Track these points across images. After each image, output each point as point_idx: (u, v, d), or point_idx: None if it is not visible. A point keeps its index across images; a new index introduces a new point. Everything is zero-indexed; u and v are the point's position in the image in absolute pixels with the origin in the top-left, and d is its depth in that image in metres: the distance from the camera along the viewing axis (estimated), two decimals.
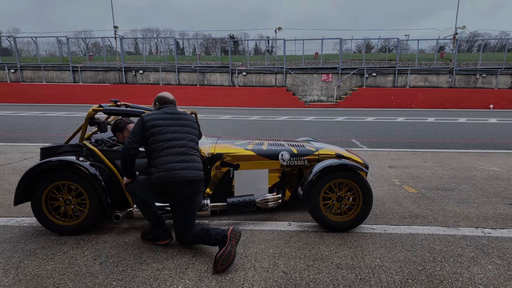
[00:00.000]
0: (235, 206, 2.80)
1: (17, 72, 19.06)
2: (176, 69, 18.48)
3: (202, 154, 2.89)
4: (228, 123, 10.94)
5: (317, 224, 2.81)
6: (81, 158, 2.64)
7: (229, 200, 2.81)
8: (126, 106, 3.33)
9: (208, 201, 2.78)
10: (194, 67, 18.56)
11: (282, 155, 3.06)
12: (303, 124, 10.75)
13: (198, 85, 18.47)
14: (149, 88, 17.85)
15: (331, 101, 18.63)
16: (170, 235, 2.45)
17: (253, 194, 2.98)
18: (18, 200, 2.51)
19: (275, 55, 20.67)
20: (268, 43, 20.89)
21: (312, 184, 2.65)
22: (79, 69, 18.69)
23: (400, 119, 12.71)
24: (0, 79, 19.25)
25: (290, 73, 18.31)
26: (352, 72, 18.36)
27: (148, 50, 23.12)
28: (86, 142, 2.81)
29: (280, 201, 2.94)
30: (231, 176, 2.98)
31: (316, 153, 3.13)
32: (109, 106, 2.99)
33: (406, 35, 32.82)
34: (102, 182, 2.54)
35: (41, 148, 2.86)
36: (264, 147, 3.11)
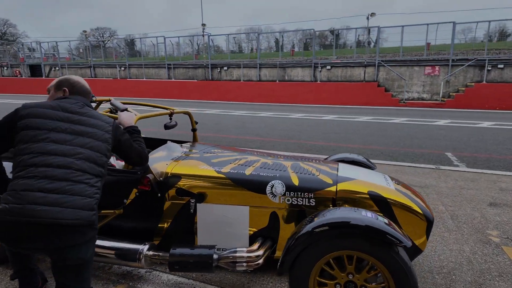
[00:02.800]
0: (180, 263, 1.82)
1: (126, 70, 21.79)
2: (258, 65, 18.05)
3: (152, 176, 1.99)
4: (291, 122, 9.79)
5: None
6: None
7: (173, 251, 1.85)
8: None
9: (145, 248, 1.88)
10: (274, 62, 17.79)
11: (273, 186, 1.92)
12: (386, 128, 8.78)
13: (277, 81, 17.65)
14: (230, 84, 17.91)
15: (435, 100, 15.30)
16: None
17: (216, 244, 1.94)
18: None
19: (370, 45, 18.18)
20: (357, 32, 18.41)
21: (291, 255, 1.47)
22: (172, 67, 20.14)
23: None
24: (113, 76, 22.37)
25: (384, 65, 15.75)
26: (467, 64, 14.63)
27: (239, 47, 23.32)
28: None
29: (260, 261, 1.83)
30: (192, 211, 2.00)
31: (333, 188, 1.88)
32: None
33: None
34: None
35: None
36: (248, 171, 2.02)
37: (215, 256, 1.83)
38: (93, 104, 2.96)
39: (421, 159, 5.41)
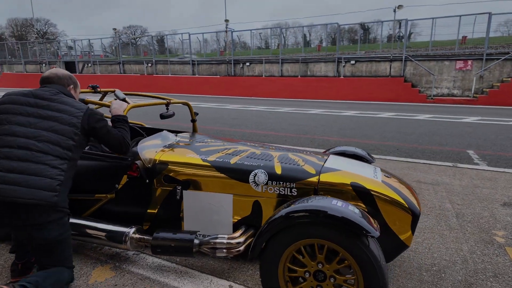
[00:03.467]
0: (162, 247, 1.89)
1: (153, 66, 22.47)
2: (280, 60, 17.93)
3: (140, 163, 2.07)
4: (308, 118, 9.65)
5: None
6: None
7: (156, 235, 1.92)
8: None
9: (132, 231, 1.96)
10: (297, 57, 17.59)
11: (255, 175, 1.93)
12: (408, 124, 8.44)
13: (299, 76, 17.44)
14: (252, 80, 17.94)
15: (467, 96, 14.43)
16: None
17: (199, 230, 1.99)
18: None
19: (402, 40, 17.43)
20: (383, 26, 17.65)
21: (264, 238, 1.48)
22: (196, 63, 20.50)
23: None
24: (141, 72, 23.14)
25: (411, 60, 15.08)
26: (504, 57, 13.66)
27: (265, 43, 23.11)
28: None
29: (241, 248, 1.85)
30: (178, 197, 2.06)
31: (315, 178, 1.86)
32: None
33: None
34: None
35: None
36: (233, 160, 2.05)
37: (196, 241, 1.88)
38: (99, 95, 3.11)
39: (439, 157, 5.17)
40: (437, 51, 15.26)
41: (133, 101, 2.83)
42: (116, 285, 1.83)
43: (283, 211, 1.48)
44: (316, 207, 1.42)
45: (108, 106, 2.14)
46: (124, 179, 2.13)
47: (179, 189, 2.07)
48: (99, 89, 2.90)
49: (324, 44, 22.31)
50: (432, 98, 14.44)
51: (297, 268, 1.51)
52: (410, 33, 21.88)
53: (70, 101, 1.68)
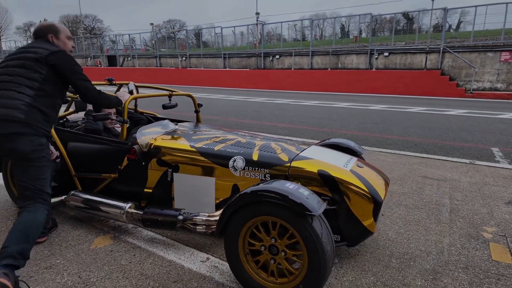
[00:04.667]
0: (150, 221, 2.16)
1: (187, 60, 23.27)
2: (310, 52, 17.71)
3: (138, 147, 2.36)
4: (332, 111, 9.55)
5: None
6: None
7: (146, 210, 2.19)
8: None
9: (127, 206, 2.26)
10: (327, 49, 17.25)
11: (235, 161, 2.14)
12: (436, 119, 8.09)
13: (329, 69, 17.12)
14: (280, 73, 17.92)
15: None
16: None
17: (184, 208, 2.23)
18: None
19: (450, 29, 16.42)
20: (420, 15, 16.69)
21: (227, 214, 1.68)
22: (227, 56, 20.90)
23: None
24: (175, 65, 24.07)
25: (449, 51, 14.17)
26: None
27: (302, 35, 22.71)
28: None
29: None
30: (169, 179, 2.32)
31: (286, 165, 2.02)
32: None
33: None
34: None
35: None
36: (218, 147, 2.26)
37: (180, 217, 2.13)
38: (114, 87, 3.46)
39: (458, 153, 4.99)
40: (480, 41, 14.19)
41: (141, 92, 3.14)
42: (111, 250, 2.14)
43: (241, 192, 1.67)
44: (268, 188, 1.58)
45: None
46: (125, 161, 2.43)
47: (170, 172, 2.33)
48: (114, 82, 3.24)
49: (364, 35, 21.58)
50: (471, 92, 13.53)
51: (255, 242, 1.69)
52: (460, 22, 20.35)
53: (45, 45, 1.98)
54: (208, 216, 2.11)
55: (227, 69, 20.85)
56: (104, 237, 2.31)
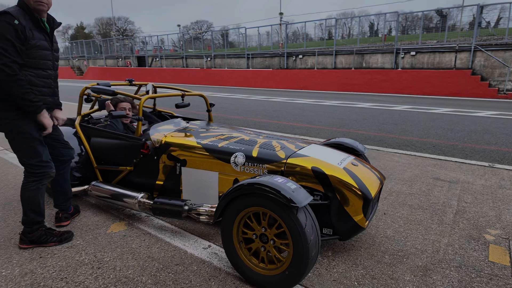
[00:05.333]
0: (159, 209, 2.37)
1: (211, 60, 23.77)
2: (334, 52, 17.52)
3: (150, 143, 2.58)
4: (352, 112, 9.44)
5: None
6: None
7: (156, 200, 2.41)
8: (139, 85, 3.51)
9: (140, 196, 2.49)
10: (351, 48, 16.98)
11: (236, 157, 2.30)
12: (461, 121, 7.82)
13: (353, 68, 16.85)
14: (303, 73, 17.85)
15: None
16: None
17: (190, 200, 2.42)
18: None
19: (490, 26, 15.64)
20: (451, 13, 15.89)
21: (222, 204, 1.85)
22: (250, 56, 21.12)
23: None
24: (201, 66, 24.65)
25: (481, 50, 13.50)
26: None
27: (328, 34, 22.42)
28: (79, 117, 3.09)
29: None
30: (178, 173, 2.53)
31: (283, 162, 2.15)
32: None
33: None
34: None
35: None
36: (222, 144, 2.43)
37: (185, 208, 2.32)
38: (134, 88, 3.72)
39: (478, 156, 4.85)
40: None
41: (160, 92, 3.37)
42: (125, 235, 2.37)
43: (235, 185, 1.81)
44: (258, 181, 1.72)
45: (137, 98, 2.72)
46: (140, 155, 2.66)
47: (178, 166, 2.52)
48: (134, 82, 3.50)
49: (394, 33, 20.91)
50: (504, 93, 12.83)
51: (247, 231, 1.83)
52: (500, 18, 19.16)
53: None
54: (211, 207, 2.28)
55: (250, 69, 21.08)
56: (119, 224, 2.55)
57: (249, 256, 1.85)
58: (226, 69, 22.25)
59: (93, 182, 2.80)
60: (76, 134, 3.00)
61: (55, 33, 2.25)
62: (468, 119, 8.14)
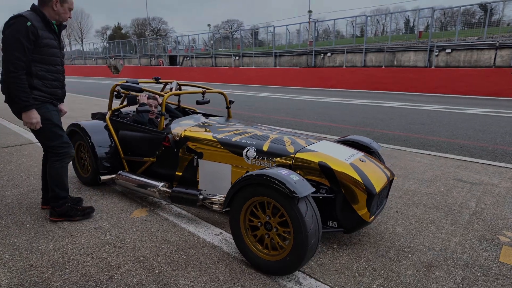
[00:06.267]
0: (176, 198, 2.57)
1: (240, 59, 24.10)
2: (364, 49, 17.13)
3: (171, 136, 2.78)
4: (379, 111, 9.23)
5: None
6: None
7: (174, 189, 2.60)
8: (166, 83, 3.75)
9: (160, 185, 2.69)
10: (382, 46, 16.50)
11: (248, 151, 2.44)
12: (496, 122, 7.42)
13: (383, 67, 16.37)
14: (330, 71, 17.61)
15: None
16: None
17: (205, 190, 2.59)
18: None
19: None
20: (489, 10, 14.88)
21: (230, 193, 1.99)
22: (278, 55, 21.18)
23: None
24: (229, 64, 25.07)
25: None
26: None
27: (361, 31, 21.94)
28: (109, 112, 3.37)
29: None
30: (195, 164, 2.71)
31: (291, 156, 2.26)
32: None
33: None
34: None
35: (92, 113, 3.73)
36: (235, 138, 2.58)
37: (200, 197, 2.49)
38: (160, 85, 3.96)
39: (509, 158, 4.63)
40: None
41: (184, 89, 3.57)
42: (145, 220, 2.59)
43: (244, 175, 1.94)
44: (263, 172, 1.83)
45: (161, 95, 2.94)
46: (161, 148, 2.87)
47: (196, 158, 2.70)
48: (160, 80, 3.74)
49: (433, 30, 20.03)
50: None
51: (253, 219, 1.96)
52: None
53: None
54: (223, 197, 2.43)
55: (277, 67, 21.13)
56: (142, 210, 2.78)
57: (254, 242, 1.97)
58: (253, 67, 22.47)
59: (120, 172, 3.05)
60: (106, 127, 3.28)
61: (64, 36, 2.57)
62: (504, 120, 7.70)
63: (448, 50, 14.58)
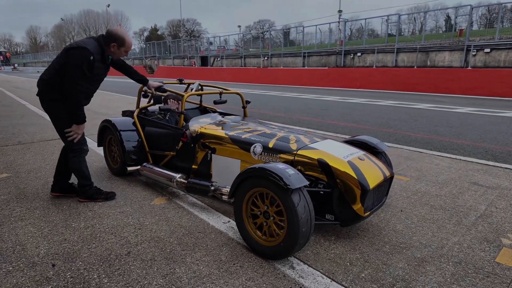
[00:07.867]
0: (191, 188, 2.84)
1: (268, 60, 24.31)
2: (395, 49, 16.64)
3: (189, 132, 3.06)
4: (406, 112, 9.01)
5: None
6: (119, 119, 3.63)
7: (189, 180, 2.87)
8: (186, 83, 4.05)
9: (177, 176, 2.98)
10: (414, 46, 15.93)
11: (255, 147, 2.65)
12: None
13: (415, 67, 15.80)
14: (359, 71, 17.27)
15: None
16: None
17: (216, 182, 2.84)
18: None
19: None
20: None
21: (235, 184, 2.22)
22: (307, 55, 21.11)
23: None
24: (258, 65, 25.36)
25: None
26: None
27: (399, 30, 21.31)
28: (137, 110, 3.73)
29: None
30: (209, 159, 2.96)
31: (293, 153, 2.45)
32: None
33: None
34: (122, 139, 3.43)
35: (122, 111, 4.11)
36: (245, 135, 2.80)
37: (211, 188, 2.73)
38: (184, 86, 4.27)
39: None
40: None
41: (206, 89, 3.85)
42: (163, 207, 2.88)
43: (248, 167, 2.15)
44: (264, 166, 2.03)
45: (182, 95, 3.24)
46: (180, 143, 3.16)
47: (209, 153, 2.96)
48: (183, 81, 4.05)
49: (475, 27, 19.01)
50: None
51: (254, 208, 2.16)
52: None
53: (64, 50, 2.63)
54: (228, 189, 2.66)
55: (305, 67, 21.08)
56: (161, 198, 3.09)
57: (255, 229, 2.18)
58: (281, 68, 22.58)
59: (144, 164, 3.39)
60: (134, 123, 3.63)
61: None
62: None
63: (487, 50, 13.79)
